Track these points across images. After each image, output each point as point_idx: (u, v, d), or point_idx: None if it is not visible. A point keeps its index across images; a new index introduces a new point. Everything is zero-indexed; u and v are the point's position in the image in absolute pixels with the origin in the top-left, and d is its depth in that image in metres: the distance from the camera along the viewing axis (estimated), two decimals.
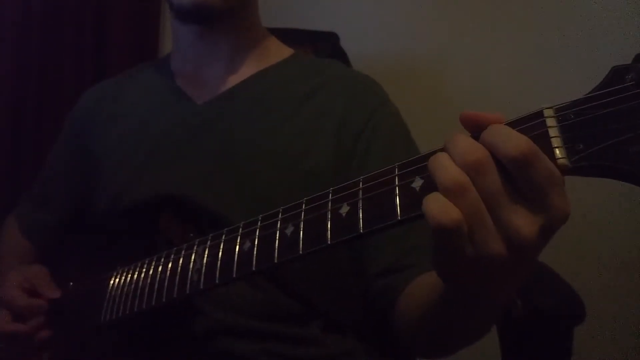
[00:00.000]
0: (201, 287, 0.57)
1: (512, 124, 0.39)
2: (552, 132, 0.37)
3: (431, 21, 1.42)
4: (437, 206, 0.37)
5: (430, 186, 0.40)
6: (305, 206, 0.49)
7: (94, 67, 1.44)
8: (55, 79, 1.40)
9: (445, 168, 0.38)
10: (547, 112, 0.38)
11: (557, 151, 0.37)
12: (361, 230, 0.44)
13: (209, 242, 0.59)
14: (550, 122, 0.38)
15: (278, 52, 0.89)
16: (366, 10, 1.47)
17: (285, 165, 0.76)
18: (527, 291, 0.74)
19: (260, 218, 0.53)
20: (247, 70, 0.85)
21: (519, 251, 0.37)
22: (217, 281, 0.55)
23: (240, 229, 0.55)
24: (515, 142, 0.36)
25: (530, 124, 0.38)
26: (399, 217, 0.42)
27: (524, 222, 0.36)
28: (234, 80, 0.84)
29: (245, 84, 0.84)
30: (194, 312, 0.71)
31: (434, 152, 0.41)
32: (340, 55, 1.19)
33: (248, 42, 0.86)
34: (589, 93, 0.37)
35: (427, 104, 1.37)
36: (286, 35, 0.93)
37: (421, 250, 0.71)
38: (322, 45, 1.16)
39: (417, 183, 0.42)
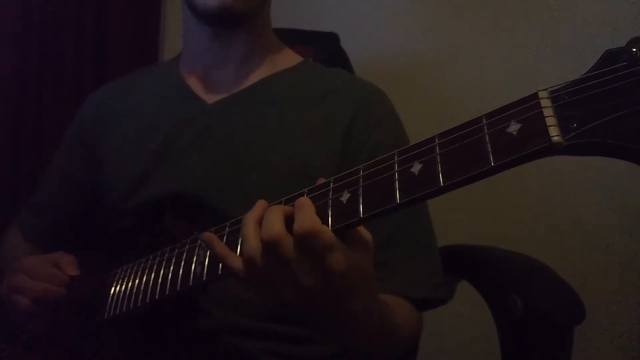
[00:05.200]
0: (204, 279, 0.58)
1: (510, 107, 0.40)
2: (547, 112, 0.38)
3: (431, 21, 1.42)
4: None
5: (430, 170, 0.42)
6: (307, 195, 0.50)
7: (94, 67, 1.44)
8: (55, 79, 1.40)
9: (248, 240, 0.50)
10: (541, 94, 0.39)
11: (551, 130, 0.37)
12: (361, 215, 0.45)
13: None
14: (545, 102, 0.39)
15: (288, 58, 0.90)
16: (366, 10, 1.47)
17: (290, 167, 0.76)
18: (527, 291, 0.74)
19: None
20: (257, 73, 0.86)
21: (306, 295, 0.48)
22: (220, 272, 0.56)
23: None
24: (300, 222, 0.46)
25: (525, 106, 0.40)
26: (398, 201, 0.43)
27: (305, 274, 0.47)
28: (244, 82, 0.85)
29: (255, 87, 0.84)
30: (198, 311, 0.71)
31: (432, 138, 0.44)
32: (340, 55, 1.18)
33: (260, 47, 0.87)
34: (583, 75, 0.38)
35: (427, 103, 1.37)
36: (286, 36, 0.93)
37: (392, 266, 0.72)
38: (323, 46, 1.16)
39: (416, 168, 0.43)
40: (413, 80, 1.40)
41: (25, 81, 1.37)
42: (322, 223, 0.47)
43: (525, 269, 0.81)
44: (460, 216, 1.32)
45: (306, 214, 0.47)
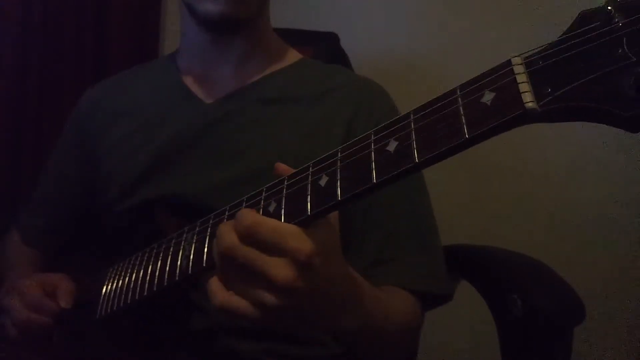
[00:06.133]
0: (189, 272, 0.57)
1: (482, 76, 0.40)
2: (520, 78, 0.37)
3: (431, 21, 1.42)
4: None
5: (405, 147, 0.41)
6: (287, 182, 0.50)
7: (94, 67, 1.44)
8: (55, 79, 1.40)
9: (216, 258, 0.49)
10: (514, 60, 0.38)
11: (525, 96, 0.36)
12: (339, 198, 0.44)
13: (197, 228, 0.59)
14: (518, 69, 0.38)
15: (287, 56, 0.90)
16: (366, 10, 1.47)
17: (289, 166, 0.76)
18: (527, 291, 0.74)
19: (245, 199, 0.54)
20: (256, 72, 0.85)
21: (288, 293, 0.45)
22: (204, 264, 0.55)
23: (227, 212, 0.56)
24: (239, 220, 0.46)
25: (499, 74, 0.39)
26: (374, 180, 0.42)
27: (278, 271, 0.45)
28: (243, 81, 0.85)
29: (254, 86, 0.84)
30: (192, 309, 0.71)
31: (408, 114, 0.43)
32: (340, 55, 1.18)
33: (259, 48, 0.86)
34: (557, 38, 0.37)
35: None
36: (286, 36, 0.93)
37: (394, 261, 0.72)
38: (322, 46, 1.16)
39: (392, 146, 0.42)
40: (413, 80, 1.40)
41: (25, 81, 1.37)
42: (301, 208, 0.47)
43: (525, 269, 0.81)
44: (460, 216, 1.32)
45: (243, 214, 0.47)
